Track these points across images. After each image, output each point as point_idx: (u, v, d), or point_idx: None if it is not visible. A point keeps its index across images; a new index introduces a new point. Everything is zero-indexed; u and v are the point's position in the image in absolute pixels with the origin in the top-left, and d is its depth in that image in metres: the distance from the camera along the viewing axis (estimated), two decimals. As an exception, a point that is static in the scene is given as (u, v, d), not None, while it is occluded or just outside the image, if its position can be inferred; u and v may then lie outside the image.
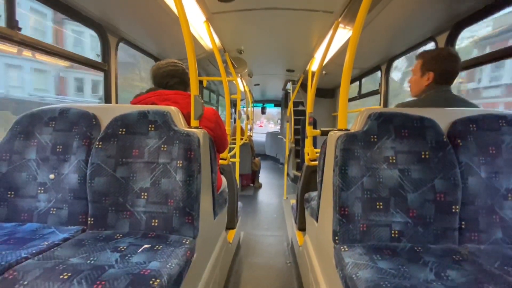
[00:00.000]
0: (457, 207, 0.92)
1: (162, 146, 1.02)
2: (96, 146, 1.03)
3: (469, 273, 0.73)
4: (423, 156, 0.96)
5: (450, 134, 1.01)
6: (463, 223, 0.94)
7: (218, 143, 1.42)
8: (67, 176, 1.04)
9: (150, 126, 1.05)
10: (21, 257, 0.75)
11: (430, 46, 1.94)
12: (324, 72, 3.34)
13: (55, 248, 0.82)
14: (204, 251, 1.18)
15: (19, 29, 1.26)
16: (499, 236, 0.93)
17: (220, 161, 1.94)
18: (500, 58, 1.39)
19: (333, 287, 0.99)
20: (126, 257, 0.77)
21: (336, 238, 0.94)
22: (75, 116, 1.10)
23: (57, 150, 1.06)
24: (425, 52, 1.29)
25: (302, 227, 1.97)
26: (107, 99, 1.93)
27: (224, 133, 1.48)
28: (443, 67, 1.20)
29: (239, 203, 2.36)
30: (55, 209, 1.03)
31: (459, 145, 0.98)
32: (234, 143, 3.03)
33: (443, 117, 1.03)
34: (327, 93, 4.56)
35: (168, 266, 0.75)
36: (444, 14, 1.58)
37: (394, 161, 0.96)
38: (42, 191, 1.04)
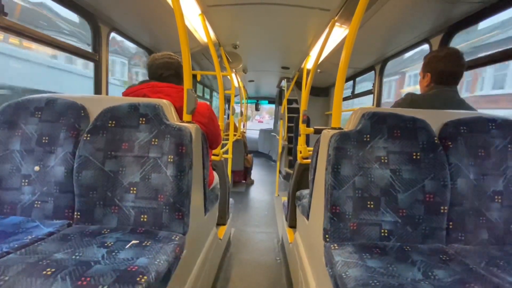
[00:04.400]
0: (446, 207, 0.94)
1: (153, 140, 1.00)
2: (84, 138, 1.00)
3: (455, 273, 0.74)
4: (414, 157, 0.97)
5: (441, 135, 1.02)
6: (450, 223, 0.96)
7: (211, 138, 1.41)
8: (53, 168, 1.01)
9: (140, 119, 1.02)
10: (2, 252, 0.72)
11: (425, 48, 1.96)
12: (319, 70, 3.34)
13: (39, 242, 0.80)
14: (194, 247, 1.17)
15: (5, 14, 1.21)
16: (485, 237, 0.95)
17: (212, 157, 1.92)
18: (504, 59, 1.40)
19: (322, 284, 1.00)
20: (113, 253, 0.75)
21: (327, 236, 0.94)
22: (62, 106, 1.06)
23: (43, 141, 1.02)
24: (429, 53, 1.29)
25: (292, 224, 1.98)
26: (97, 90, 1.87)
27: (217, 129, 1.46)
28: (439, 68, 1.20)
29: (231, 200, 2.35)
30: (39, 202, 0.99)
31: (449, 146, 0.99)
32: (227, 139, 3.01)
33: (435, 119, 1.04)
34: (321, 91, 4.58)
35: (156, 262, 0.73)
36: (439, 16, 1.60)
37: (386, 161, 0.97)
38: (26, 184, 1.00)
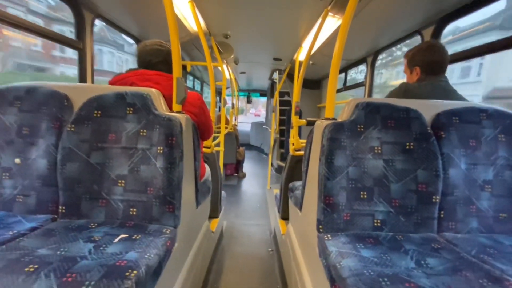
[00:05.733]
0: (437, 197, 0.95)
1: (141, 130, 0.96)
2: (68, 129, 0.95)
3: (447, 261, 0.75)
4: (407, 147, 0.97)
5: (433, 125, 1.02)
6: (442, 212, 0.97)
7: (202, 129, 1.37)
8: (34, 161, 0.96)
9: (128, 108, 0.98)
10: None
11: (416, 39, 1.96)
12: (311, 62, 3.32)
13: (21, 238, 0.76)
14: (186, 240, 1.15)
15: None
16: (475, 226, 0.97)
17: (204, 150, 1.88)
18: (489, 52, 1.42)
19: (316, 275, 1.00)
20: (101, 248, 0.72)
21: (320, 227, 0.93)
22: (44, 95, 1.00)
23: (23, 132, 0.97)
24: (408, 51, 1.32)
25: (285, 216, 1.99)
26: (82, 79, 1.80)
27: (208, 119, 1.43)
28: (426, 59, 1.23)
29: (223, 192, 2.34)
30: (21, 196, 0.95)
31: (442, 136, 0.99)
32: (219, 132, 2.97)
33: (428, 109, 1.04)
34: (313, 84, 4.56)
35: (146, 256, 0.71)
36: (430, 8, 1.59)
37: (379, 151, 0.96)
38: (6, 177, 0.95)
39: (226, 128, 3.79)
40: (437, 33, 1.70)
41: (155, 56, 1.23)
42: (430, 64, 1.22)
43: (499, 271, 0.70)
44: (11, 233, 0.78)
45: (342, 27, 1.04)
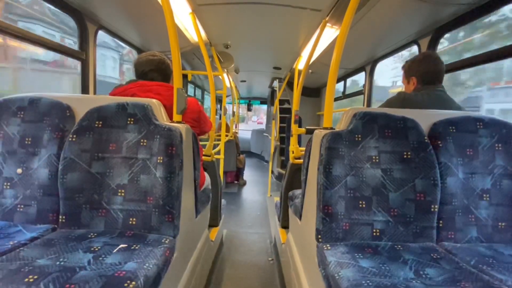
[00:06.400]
0: (436, 206, 0.95)
1: (142, 140, 0.97)
2: (70, 139, 0.97)
3: (446, 271, 0.74)
4: (405, 156, 0.98)
5: (430, 135, 1.03)
6: (441, 222, 0.97)
7: (203, 129, 1.49)
8: (36, 171, 0.97)
9: (129, 119, 0.99)
10: None
11: (413, 49, 1.99)
12: (310, 71, 3.36)
13: (21, 248, 0.76)
14: (185, 250, 1.15)
15: None
16: (474, 235, 0.96)
17: (204, 158, 1.90)
18: (485, 62, 1.44)
19: (315, 285, 0.99)
20: (100, 258, 0.73)
21: (319, 236, 0.93)
22: (46, 106, 1.02)
23: (26, 142, 0.98)
24: (406, 62, 1.36)
25: (285, 225, 1.98)
26: (84, 90, 1.83)
27: (204, 117, 1.51)
28: (422, 70, 1.26)
29: (223, 201, 2.33)
30: (22, 206, 0.95)
31: (439, 146, 1.00)
32: (219, 140, 2.98)
33: (425, 118, 1.05)
34: (312, 92, 4.60)
35: (145, 267, 0.71)
36: (427, 18, 1.63)
37: (377, 160, 0.97)
38: (8, 187, 0.96)
39: (227, 135, 3.81)
40: (433, 43, 1.73)
41: (147, 65, 1.28)
42: (425, 74, 1.25)
43: (498, 282, 0.69)
44: (11, 243, 0.79)
45: (340, 37, 1.07)
